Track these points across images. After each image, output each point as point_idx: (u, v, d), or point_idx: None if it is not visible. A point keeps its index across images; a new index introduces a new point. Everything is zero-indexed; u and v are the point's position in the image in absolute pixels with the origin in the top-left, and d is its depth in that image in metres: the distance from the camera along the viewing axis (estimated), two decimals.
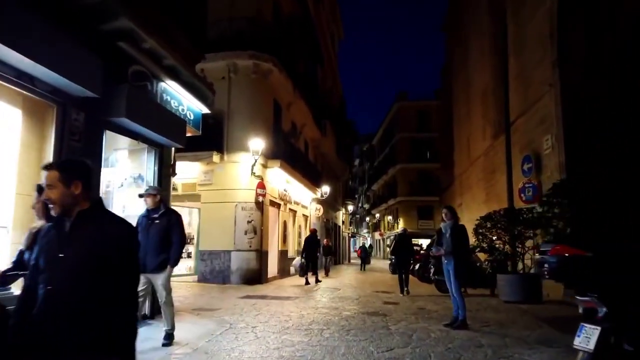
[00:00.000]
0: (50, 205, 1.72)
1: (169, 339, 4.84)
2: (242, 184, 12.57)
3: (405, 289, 10.62)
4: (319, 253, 14.70)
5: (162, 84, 6.51)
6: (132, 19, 5.11)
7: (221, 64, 12.67)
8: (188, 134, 7.75)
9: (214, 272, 12.28)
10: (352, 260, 37.23)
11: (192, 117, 7.47)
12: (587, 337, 2.83)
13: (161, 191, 5.04)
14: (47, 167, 1.75)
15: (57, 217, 1.73)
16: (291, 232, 17.39)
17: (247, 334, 5.58)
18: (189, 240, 14.06)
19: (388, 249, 42.83)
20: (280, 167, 13.55)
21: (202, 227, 12.87)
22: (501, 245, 9.47)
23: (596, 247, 3.22)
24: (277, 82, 13.95)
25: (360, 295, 10.31)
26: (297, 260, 14.14)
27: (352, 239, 50.25)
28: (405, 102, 42.60)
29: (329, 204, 25.95)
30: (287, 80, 14.29)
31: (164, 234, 4.71)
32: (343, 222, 34.93)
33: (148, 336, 5.28)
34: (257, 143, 12.25)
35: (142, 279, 4.70)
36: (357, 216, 65.73)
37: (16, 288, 3.60)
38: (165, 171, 6.96)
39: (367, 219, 62.36)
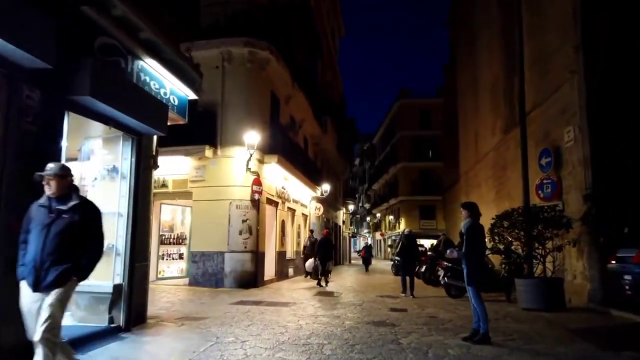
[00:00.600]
0: None
1: None
2: (237, 181, 11.74)
3: (411, 293, 10.30)
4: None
5: (140, 62, 5.68)
6: None
7: (214, 52, 11.85)
8: (173, 122, 6.96)
9: (206, 275, 11.44)
10: (352, 261, 36.37)
11: (176, 103, 6.63)
12: None
13: (70, 173, 3.36)
14: None
15: None
16: (290, 232, 16.55)
17: (235, 351, 4.75)
18: (180, 241, 13.29)
19: (389, 249, 42.10)
20: (277, 162, 12.73)
21: (194, 226, 12.04)
22: (519, 247, 8.65)
23: None
24: (275, 73, 13.13)
25: (363, 301, 9.49)
26: (310, 263, 13.49)
27: (352, 239, 49.47)
28: (407, 99, 41.83)
29: (329, 203, 25.14)
30: (285, 71, 13.47)
31: (72, 233, 3.19)
32: (343, 221, 34.13)
33: (117, 356, 4.46)
34: (253, 136, 11.42)
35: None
36: (358, 216, 65.02)
37: None
38: (145, 163, 6.13)
39: (368, 218, 61.61)
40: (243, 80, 12.11)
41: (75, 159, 6.41)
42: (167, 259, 12.81)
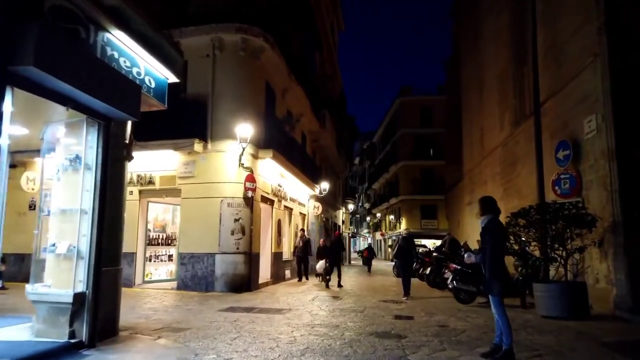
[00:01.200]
0: None
1: None
2: (229, 177, 10.94)
3: (406, 295, 10.25)
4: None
5: (106, 34, 4.88)
6: None
7: (204, 39, 11.06)
8: (151, 108, 6.17)
9: (195, 279, 10.63)
10: (352, 262, 35.54)
11: (153, 85, 5.83)
12: None
13: None
14: None
15: None
16: (287, 232, 15.74)
17: None
18: (170, 242, 12.48)
19: (390, 249, 41.29)
20: (272, 157, 11.92)
21: (183, 226, 11.21)
22: (537, 248, 7.85)
23: None
24: (270, 62, 12.32)
25: (365, 307, 8.69)
26: (321, 264, 12.84)
27: (352, 239, 48.68)
28: (408, 97, 41.02)
29: (328, 203, 24.35)
30: (281, 60, 12.66)
31: None
32: (343, 221, 33.35)
33: None
34: (246, 129, 10.62)
35: None
36: (358, 216, 64.22)
37: None
38: (116, 153, 5.33)
39: (368, 218, 60.78)
40: (235, 69, 11.30)
41: (38, 150, 5.67)
42: (155, 261, 12.02)
